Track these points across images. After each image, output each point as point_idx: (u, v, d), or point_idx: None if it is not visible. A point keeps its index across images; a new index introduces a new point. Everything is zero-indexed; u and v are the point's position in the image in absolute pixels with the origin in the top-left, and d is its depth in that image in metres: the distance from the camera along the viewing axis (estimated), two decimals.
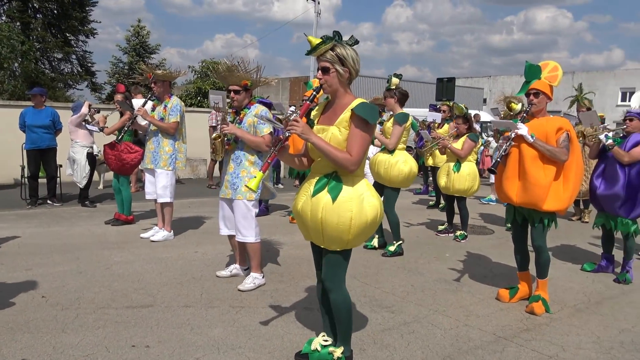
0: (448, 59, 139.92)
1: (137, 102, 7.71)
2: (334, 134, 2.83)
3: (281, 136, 2.90)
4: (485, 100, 39.97)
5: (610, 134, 5.17)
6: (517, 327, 3.92)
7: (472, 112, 14.99)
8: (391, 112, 5.91)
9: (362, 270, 5.19)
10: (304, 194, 2.96)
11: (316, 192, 2.86)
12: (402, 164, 5.72)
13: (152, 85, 5.99)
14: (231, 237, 4.82)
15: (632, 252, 5.28)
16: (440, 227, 7.28)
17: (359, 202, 2.82)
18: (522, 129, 4.10)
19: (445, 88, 15.54)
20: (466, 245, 6.59)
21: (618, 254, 5.55)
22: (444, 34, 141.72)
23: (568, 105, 35.67)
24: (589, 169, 7.14)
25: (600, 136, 5.19)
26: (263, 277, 4.69)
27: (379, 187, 5.76)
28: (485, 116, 18.97)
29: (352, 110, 2.79)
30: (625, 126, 5.26)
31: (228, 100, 4.53)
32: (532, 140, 4.07)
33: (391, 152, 5.77)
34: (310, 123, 2.97)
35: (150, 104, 6.20)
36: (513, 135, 4.17)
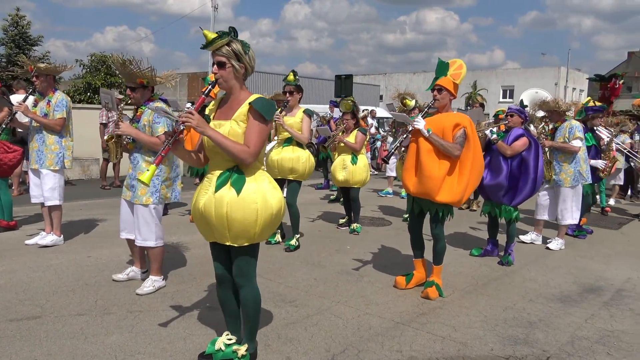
0: (346, 57, 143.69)
1: (17, 97, 7.11)
2: (232, 127, 2.82)
3: (175, 128, 2.84)
4: (381, 97, 41.49)
5: (495, 129, 5.61)
6: (413, 312, 4.13)
7: (369, 108, 15.53)
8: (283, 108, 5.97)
9: (266, 267, 5.19)
10: (205, 192, 2.90)
11: (219, 187, 2.83)
12: (305, 155, 5.93)
13: (34, 79, 5.54)
14: (130, 241, 4.60)
15: (514, 236, 5.77)
16: (342, 221, 7.46)
17: (263, 195, 2.84)
18: (419, 123, 4.31)
19: (344, 85, 15.91)
20: (366, 236, 6.82)
21: (502, 239, 6.02)
22: (341, 32, 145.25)
23: (464, 102, 37.98)
24: None
25: (486, 131, 5.61)
26: (163, 280, 4.53)
27: (279, 184, 5.85)
28: (382, 112, 19.67)
29: (250, 104, 2.80)
30: (507, 121, 5.73)
31: (122, 97, 4.33)
32: (427, 135, 4.29)
33: (300, 145, 5.93)
34: (206, 118, 2.92)
35: (31, 99, 5.73)
36: (410, 129, 4.39)
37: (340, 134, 7.13)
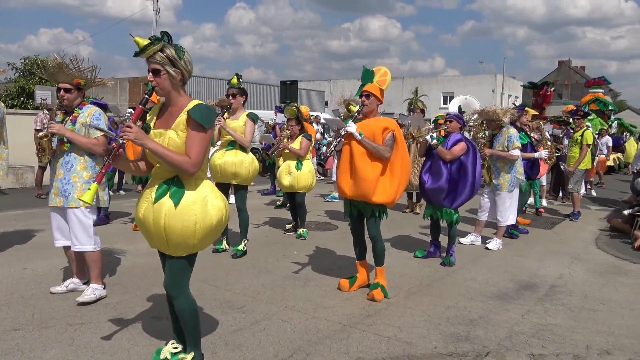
0: (291, 62, 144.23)
1: None
2: (172, 137, 2.78)
3: (114, 144, 2.77)
4: (327, 103, 41.85)
5: (435, 134, 5.80)
6: (360, 314, 4.21)
7: (314, 114, 15.64)
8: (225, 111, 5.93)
9: (212, 273, 5.13)
10: (146, 201, 2.86)
11: (158, 198, 2.79)
12: (249, 159, 5.89)
13: None
14: (67, 248, 4.45)
15: (455, 238, 5.97)
16: (288, 226, 7.48)
17: (202, 205, 2.80)
18: (351, 127, 4.43)
19: (289, 90, 15.94)
20: (312, 241, 6.87)
21: (444, 240, 6.22)
22: (286, 38, 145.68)
23: (407, 108, 38.84)
24: (419, 166, 7.90)
25: (426, 137, 5.79)
26: (104, 288, 4.40)
27: (224, 187, 5.83)
28: (327, 117, 19.83)
29: (188, 112, 2.76)
30: (445, 127, 5.94)
31: (57, 100, 4.19)
32: (360, 138, 4.41)
33: (243, 149, 5.88)
34: (147, 127, 2.86)
35: None
36: (343, 133, 4.49)
37: (285, 140, 7.16)
